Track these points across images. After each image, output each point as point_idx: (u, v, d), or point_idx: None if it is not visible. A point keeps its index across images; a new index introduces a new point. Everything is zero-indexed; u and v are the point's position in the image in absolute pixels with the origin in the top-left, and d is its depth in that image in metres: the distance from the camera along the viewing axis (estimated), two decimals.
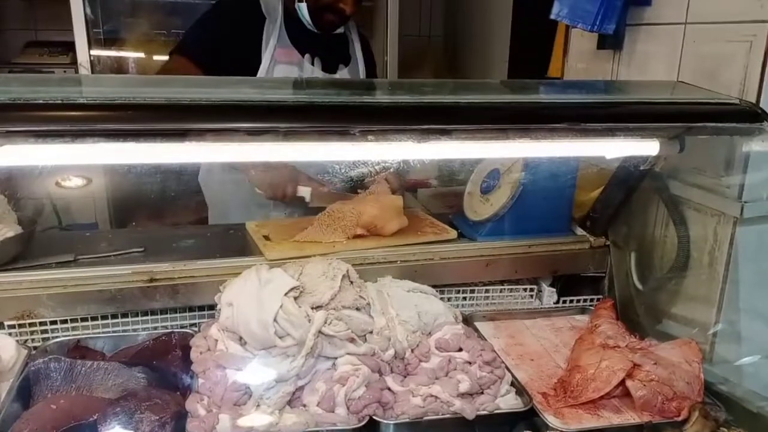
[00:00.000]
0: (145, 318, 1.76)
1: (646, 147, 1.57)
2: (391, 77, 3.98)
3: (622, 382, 1.57)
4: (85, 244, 1.89)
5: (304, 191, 2.20)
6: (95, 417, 1.32)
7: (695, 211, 1.78)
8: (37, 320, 1.66)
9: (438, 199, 2.83)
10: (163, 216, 2.57)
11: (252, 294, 1.59)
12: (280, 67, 2.41)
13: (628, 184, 1.93)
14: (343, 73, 2.56)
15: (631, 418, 1.53)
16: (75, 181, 1.98)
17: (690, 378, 1.58)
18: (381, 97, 1.39)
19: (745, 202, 1.62)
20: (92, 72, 3.39)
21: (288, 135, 1.21)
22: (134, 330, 1.75)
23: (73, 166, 1.70)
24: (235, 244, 1.98)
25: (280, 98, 1.33)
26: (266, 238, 1.98)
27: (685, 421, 1.49)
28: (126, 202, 2.27)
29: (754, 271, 1.67)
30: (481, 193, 2.14)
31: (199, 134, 1.23)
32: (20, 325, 1.66)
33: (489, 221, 2.06)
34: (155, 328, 1.76)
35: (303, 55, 2.45)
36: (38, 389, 1.47)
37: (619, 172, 1.94)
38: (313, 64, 2.48)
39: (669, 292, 1.86)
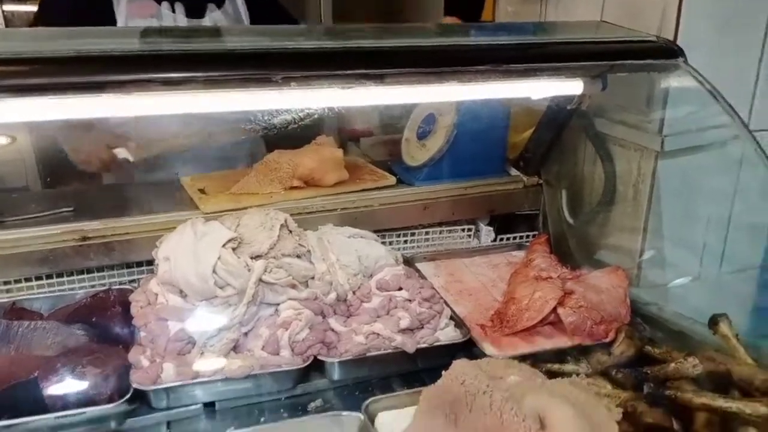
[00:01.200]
0: (81, 277, 1.74)
1: (571, 86, 1.62)
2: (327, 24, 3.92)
3: (554, 310, 1.66)
4: (12, 206, 1.82)
5: (121, 150, 2.02)
6: (35, 374, 1.31)
7: (620, 147, 1.86)
8: None
9: (379, 147, 2.84)
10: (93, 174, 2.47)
11: (188, 248, 1.58)
12: (136, 22, 2.19)
13: (556, 123, 1.98)
14: (214, 17, 2.31)
15: (562, 342, 1.63)
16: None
17: (617, 302, 1.68)
18: (305, 43, 1.37)
19: (665, 136, 1.70)
20: (6, 26, 3.21)
21: (207, 84, 1.19)
22: (71, 289, 1.71)
23: None
24: (170, 198, 1.95)
25: (199, 47, 1.30)
26: (201, 191, 1.96)
27: (613, 342, 1.58)
28: (53, 160, 2.17)
29: (675, 202, 1.76)
30: (418, 138, 2.16)
31: (118, 86, 1.19)
32: None
33: (426, 166, 2.10)
34: (93, 287, 1.74)
35: (160, 3, 2.24)
36: None
37: (548, 112, 1.99)
38: (174, 11, 2.24)
39: (598, 225, 1.95)
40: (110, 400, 1.32)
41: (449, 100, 2.06)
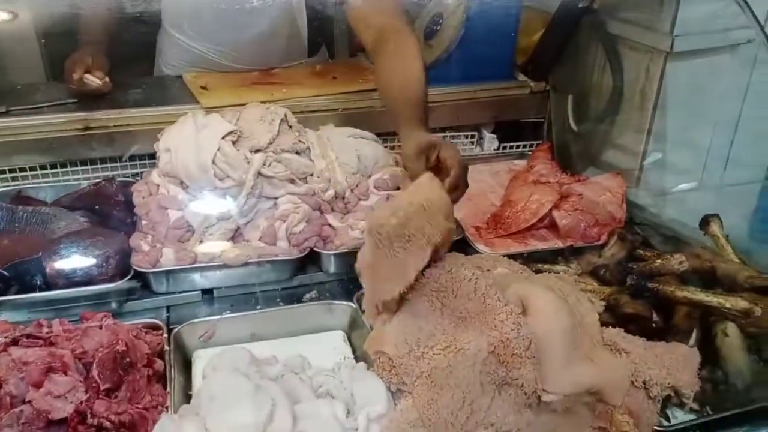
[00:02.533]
0: (85, 168, 1.77)
1: None
2: None
3: (550, 213, 1.67)
4: (16, 96, 1.83)
5: (92, 80, 1.81)
6: (40, 254, 1.36)
7: (630, 49, 1.80)
8: None
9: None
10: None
11: (189, 139, 1.59)
12: None
13: (567, 24, 1.92)
14: None
15: (555, 244, 1.65)
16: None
17: (613, 207, 1.69)
18: None
19: (676, 36, 1.64)
20: None
21: None
22: (75, 180, 1.75)
23: None
24: (171, 93, 1.94)
25: None
26: (203, 88, 1.94)
27: (605, 244, 1.60)
28: (57, 44, 2.14)
29: (682, 104, 1.73)
30: (425, 38, 2.10)
31: None
32: None
33: (432, 67, 2.04)
34: (96, 179, 1.76)
35: None
36: None
37: (559, 12, 1.93)
38: None
39: (603, 131, 1.92)
40: (111, 280, 1.37)
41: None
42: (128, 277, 1.38)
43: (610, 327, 1.22)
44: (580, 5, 1.80)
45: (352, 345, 1.38)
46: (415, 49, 1.66)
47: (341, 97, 1.94)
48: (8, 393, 1.01)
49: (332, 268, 1.56)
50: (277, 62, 2.20)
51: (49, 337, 1.16)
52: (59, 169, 1.74)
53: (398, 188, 1.70)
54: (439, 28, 2.06)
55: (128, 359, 1.07)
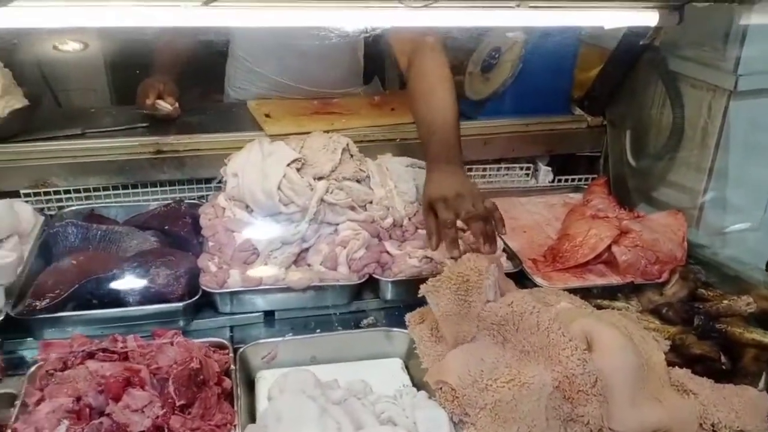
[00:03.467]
0: (154, 189, 1.84)
1: (646, 17, 1.56)
2: None
3: (609, 248, 1.66)
4: (90, 119, 1.93)
5: (163, 105, 1.92)
6: (113, 272, 1.42)
7: (691, 87, 1.80)
8: (51, 189, 1.73)
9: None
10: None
11: (256, 165, 1.65)
12: None
13: (626, 60, 1.93)
14: None
15: (614, 280, 1.64)
16: (72, 45, 1.97)
17: (673, 245, 1.67)
18: None
19: (740, 75, 1.64)
20: None
21: None
22: (145, 201, 1.82)
23: (70, 28, 1.69)
24: (237, 120, 2.02)
25: None
26: (267, 116, 2.01)
27: (666, 282, 1.58)
28: (125, 71, 2.25)
29: (744, 144, 1.71)
30: (482, 71, 2.14)
31: None
32: (35, 194, 1.73)
33: (488, 100, 2.09)
34: (164, 200, 1.83)
35: None
36: (57, 250, 1.56)
37: (619, 48, 1.94)
38: None
39: (661, 167, 1.92)
40: (180, 299, 1.42)
41: (516, 33, 2.02)
42: (197, 296, 1.43)
43: (676, 367, 1.21)
44: (641, 42, 1.81)
45: (409, 373, 1.39)
46: (445, 82, 1.66)
47: (399, 128, 1.98)
48: (87, 405, 1.06)
49: (389, 295, 1.59)
50: (338, 88, 2.29)
51: (125, 352, 1.20)
52: (130, 190, 1.81)
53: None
54: (496, 61, 2.09)
55: (201, 377, 1.10)
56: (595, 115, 2.11)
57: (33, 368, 1.23)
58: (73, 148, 1.74)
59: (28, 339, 1.37)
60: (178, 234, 1.66)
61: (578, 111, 2.15)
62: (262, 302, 1.51)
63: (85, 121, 1.88)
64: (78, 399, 1.07)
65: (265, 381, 1.32)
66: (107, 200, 1.80)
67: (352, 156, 1.74)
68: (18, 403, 1.15)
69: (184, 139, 1.81)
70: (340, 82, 2.32)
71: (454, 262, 1.49)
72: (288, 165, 1.63)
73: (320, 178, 1.64)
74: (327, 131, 1.85)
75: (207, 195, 1.84)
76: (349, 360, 1.41)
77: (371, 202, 1.70)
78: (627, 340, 1.17)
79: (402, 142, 1.97)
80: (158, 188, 1.84)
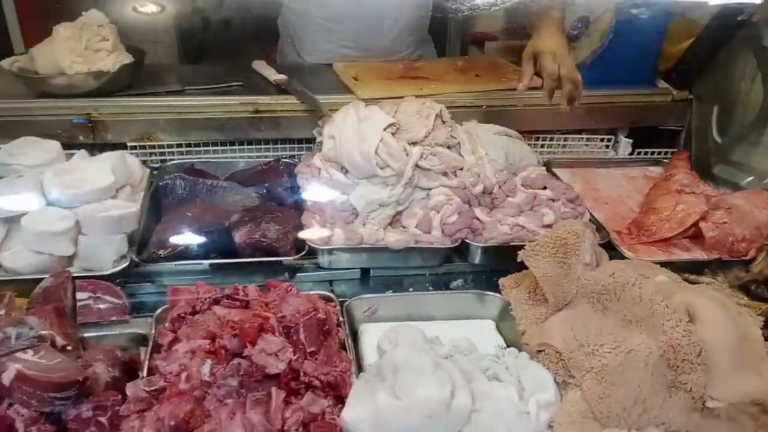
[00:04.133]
0: (250, 147, 1.91)
1: None
2: None
3: (695, 224, 1.68)
4: (188, 76, 2.00)
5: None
6: (227, 224, 1.50)
7: None
8: (156, 143, 1.82)
9: (507, 52, 2.81)
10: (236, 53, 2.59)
11: (353, 128, 1.71)
12: None
13: (720, 35, 1.91)
14: None
15: (699, 255, 1.66)
16: (150, 7, 2.04)
17: (759, 223, 1.68)
18: None
19: None
20: None
21: None
22: (240, 158, 1.90)
23: None
24: (326, 82, 2.07)
25: None
26: (355, 78, 2.05)
27: (752, 260, 1.61)
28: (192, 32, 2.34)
29: None
30: (569, 40, 2.13)
31: None
32: (141, 147, 1.82)
33: None
34: (258, 158, 1.91)
35: None
36: (166, 201, 1.66)
37: (713, 22, 1.92)
38: None
39: (747, 145, 1.91)
40: (288, 254, 1.50)
41: (607, 2, 2.01)
42: (304, 252, 1.51)
43: None
44: (739, 18, 1.78)
45: (501, 334, 1.46)
46: None
47: (485, 95, 2.01)
48: (222, 346, 1.15)
49: (477, 260, 1.64)
50: (402, 51, 2.37)
51: (246, 300, 1.29)
52: (227, 147, 1.89)
53: (545, 187, 1.76)
54: (583, 31, 2.08)
55: (327, 326, 1.19)
56: (681, 88, 2.10)
57: (158, 311, 1.34)
58: (176, 104, 1.82)
59: (146, 284, 1.48)
60: (277, 191, 1.73)
61: (663, 84, 2.14)
62: (360, 260, 1.59)
63: (183, 79, 1.95)
64: (213, 340, 1.16)
65: (368, 333, 1.40)
66: (205, 155, 1.88)
67: (444, 122, 1.78)
68: (150, 342, 1.26)
69: (280, 99, 1.87)
70: (407, 45, 2.38)
71: (548, 230, 1.54)
72: (384, 129, 1.68)
73: (414, 143, 1.69)
74: (417, 96, 1.89)
75: (298, 155, 1.91)
76: (442, 319, 1.49)
77: (461, 169, 1.74)
78: (727, 313, 1.21)
79: (488, 109, 2.00)
80: (253, 146, 1.92)
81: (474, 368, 1.22)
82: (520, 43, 2.58)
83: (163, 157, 1.86)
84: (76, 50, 1.69)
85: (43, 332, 1.08)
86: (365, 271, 1.62)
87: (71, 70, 1.68)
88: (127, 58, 1.82)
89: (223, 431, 0.99)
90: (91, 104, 1.75)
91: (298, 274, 1.55)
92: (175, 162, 1.83)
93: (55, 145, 1.63)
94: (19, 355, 1.01)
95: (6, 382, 0.98)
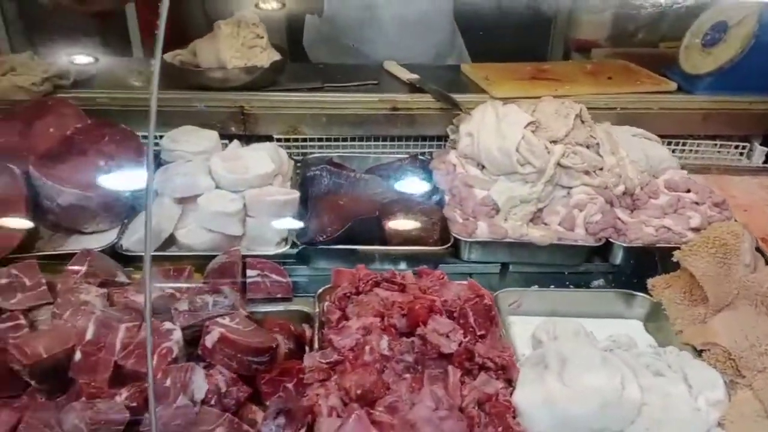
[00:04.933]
0: (384, 143, 1.97)
1: None
2: None
3: None
4: (324, 74, 2.08)
5: None
6: (377, 213, 1.56)
7: None
8: (300, 136, 1.91)
9: (615, 57, 2.76)
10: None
11: (491, 126, 1.73)
12: None
13: None
14: None
15: None
16: (272, 4, 2.11)
17: None
18: None
19: None
20: None
21: None
22: (375, 153, 1.96)
23: None
24: (457, 82, 2.11)
25: None
26: (486, 79, 2.08)
27: None
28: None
29: None
30: (703, 45, 2.10)
31: None
32: (285, 140, 1.91)
33: (710, 75, 2.05)
34: (392, 154, 1.96)
35: None
36: (312, 191, 1.73)
37: None
38: None
39: None
40: (434, 244, 1.54)
41: (749, 7, 1.96)
42: (450, 243, 1.54)
43: None
44: None
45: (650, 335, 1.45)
46: None
47: (621, 97, 2.00)
48: (392, 325, 1.20)
49: (618, 260, 1.63)
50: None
51: (403, 284, 1.34)
52: (364, 142, 1.96)
53: (688, 190, 1.74)
54: (723, 36, 2.04)
55: (493, 312, 1.22)
56: None
57: (320, 290, 1.40)
58: (320, 100, 1.91)
59: (301, 266, 1.55)
60: (414, 186, 1.78)
61: None
62: (501, 254, 1.61)
63: (321, 77, 2.04)
64: (382, 318, 1.21)
65: (516, 325, 1.42)
66: (344, 150, 1.95)
67: (583, 122, 1.78)
68: (317, 319, 1.32)
69: (416, 97, 1.92)
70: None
71: (695, 233, 1.52)
72: (525, 127, 1.70)
73: (554, 142, 1.70)
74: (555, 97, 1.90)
75: (429, 151, 1.95)
76: (587, 317, 1.48)
77: (601, 169, 1.74)
78: None
79: (623, 111, 1.98)
80: (387, 142, 1.98)
81: (637, 363, 1.21)
82: (625, 50, 2.56)
83: (303, 150, 1.94)
84: (234, 46, 1.80)
85: (236, 302, 1.16)
86: (504, 266, 1.64)
87: (230, 65, 1.79)
88: (277, 55, 1.92)
89: (408, 402, 1.03)
90: (244, 98, 1.85)
91: (441, 265, 1.58)
92: (315, 155, 1.91)
93: (213, 134, 1.74)
94: (220, 320, 1.09)
95: (209, 344, 1.06)
